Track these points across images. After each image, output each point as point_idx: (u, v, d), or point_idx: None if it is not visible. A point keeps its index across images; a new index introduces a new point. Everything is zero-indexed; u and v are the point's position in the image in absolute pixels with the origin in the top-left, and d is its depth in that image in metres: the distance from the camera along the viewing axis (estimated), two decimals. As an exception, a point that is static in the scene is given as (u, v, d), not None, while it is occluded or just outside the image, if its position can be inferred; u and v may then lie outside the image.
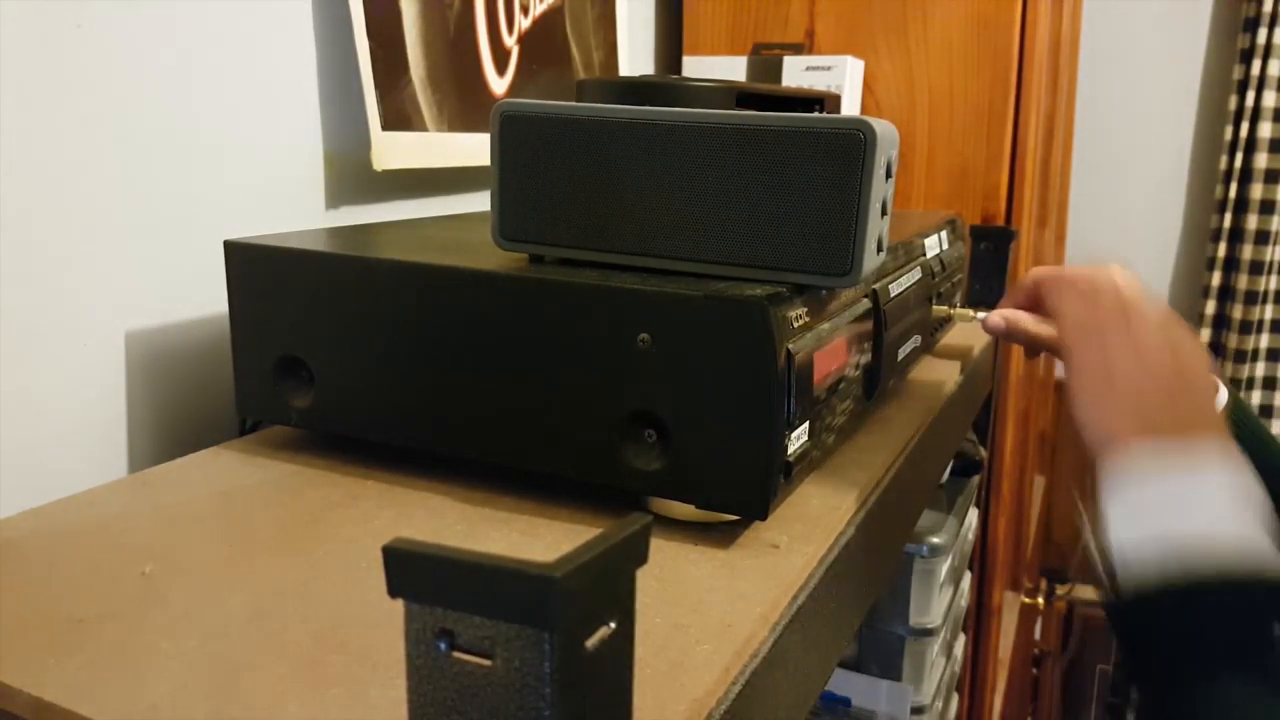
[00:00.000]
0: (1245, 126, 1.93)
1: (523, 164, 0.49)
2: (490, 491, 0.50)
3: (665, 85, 0.64)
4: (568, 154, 0.48)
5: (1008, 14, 1.11)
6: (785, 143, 0.44)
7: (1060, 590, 2.26)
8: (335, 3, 0.73)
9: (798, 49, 1.21)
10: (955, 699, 1.17)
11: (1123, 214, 2.12)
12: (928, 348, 0.74)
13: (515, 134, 0.49)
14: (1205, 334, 2.00)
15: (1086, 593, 2.27)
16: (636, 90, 0.64)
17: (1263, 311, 1.96)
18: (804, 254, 0.44)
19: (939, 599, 0.97)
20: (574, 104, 0.49)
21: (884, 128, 0.44)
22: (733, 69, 1.17)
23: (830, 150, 0.43)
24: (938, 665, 1.03)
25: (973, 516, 1.13)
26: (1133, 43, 2.07)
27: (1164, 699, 0.43)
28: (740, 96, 0.61)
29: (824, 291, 0.48)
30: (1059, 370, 0.53)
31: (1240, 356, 1.95)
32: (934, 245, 0.75)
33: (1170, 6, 2.05)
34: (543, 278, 0.47)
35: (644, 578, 0.27)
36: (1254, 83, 1.90)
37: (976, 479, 1.11)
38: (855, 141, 0.43)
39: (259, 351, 0.55)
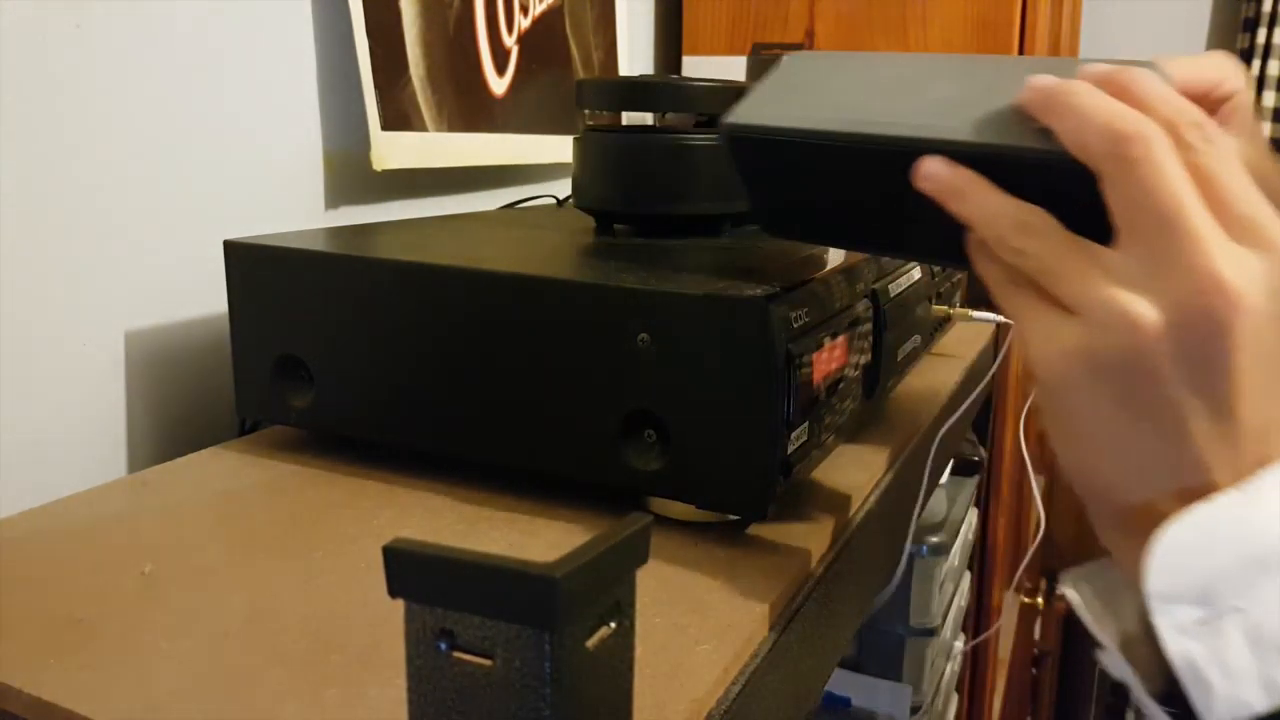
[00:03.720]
0: (1245, 126, 1.93)
1: (757, 172, 0.47)
2: (490, 491, 0.50)
3: (665, 85, 0.64)
4: (808, 171, 0.45)
5: (1008, 14, 1.11)
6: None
7: (1060, 590, 2.26)
8: (335, 2, 0.73)
9: (797, 49, 1.21)
10: (955, 699, 1.17)
11: (1122, 214, 2.12)
12: (927, 348, 0.74)
13: (744, 148, 0.46)
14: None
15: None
16: (637, 90, 0.64)
17: (1262, 311, 1.96)
18: None
19: (939, 599, 0.97)
20: (809, 116, 0.45)
21: None
22: (733, 69, 1.17)
23: (1066, 182, 0.38)
24: (938, 665, 1.03)
25: (973, 516, 1.13)
26: (1133, 43, 2.07)
27: None
28: (739, 96, 0.61)
29: (823, 291, 0.48)
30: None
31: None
32: (934, 245, 0.75)
33: (1170, 6, 2.05)
34: (543, 277, 0.47)
35: (644, 578, 0.26)
36: (1253, 83, 1.90)
37: (976, 479, 1.11)
38: (1087, 176, 0.37)
39: (259, 351, 0.55)
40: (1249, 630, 0.30)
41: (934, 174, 0.39)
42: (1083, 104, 0.35)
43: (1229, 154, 0.33)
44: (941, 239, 0.42)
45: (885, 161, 0.42)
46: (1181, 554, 0.32)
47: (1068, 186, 0.36)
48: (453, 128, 0.84)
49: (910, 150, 0.40)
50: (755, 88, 0.47)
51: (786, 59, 0.49)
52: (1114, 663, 0.37)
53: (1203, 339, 0.31)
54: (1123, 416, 0.33)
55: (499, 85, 0.91)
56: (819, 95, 0.46)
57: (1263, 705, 0.30)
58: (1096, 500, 0.36)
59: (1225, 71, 0.45)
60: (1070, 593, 0.40)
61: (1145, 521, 0.33)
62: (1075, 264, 0.34)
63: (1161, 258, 0.32)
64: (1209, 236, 0.32)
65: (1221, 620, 0.31)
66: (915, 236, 0.45)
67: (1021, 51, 1.12)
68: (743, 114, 0.46)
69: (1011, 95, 0.40)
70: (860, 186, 0.44)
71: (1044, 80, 0.37)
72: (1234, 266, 0.31)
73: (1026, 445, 0.97)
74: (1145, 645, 0.33)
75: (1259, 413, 0.32)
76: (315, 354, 0.53)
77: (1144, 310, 0.32)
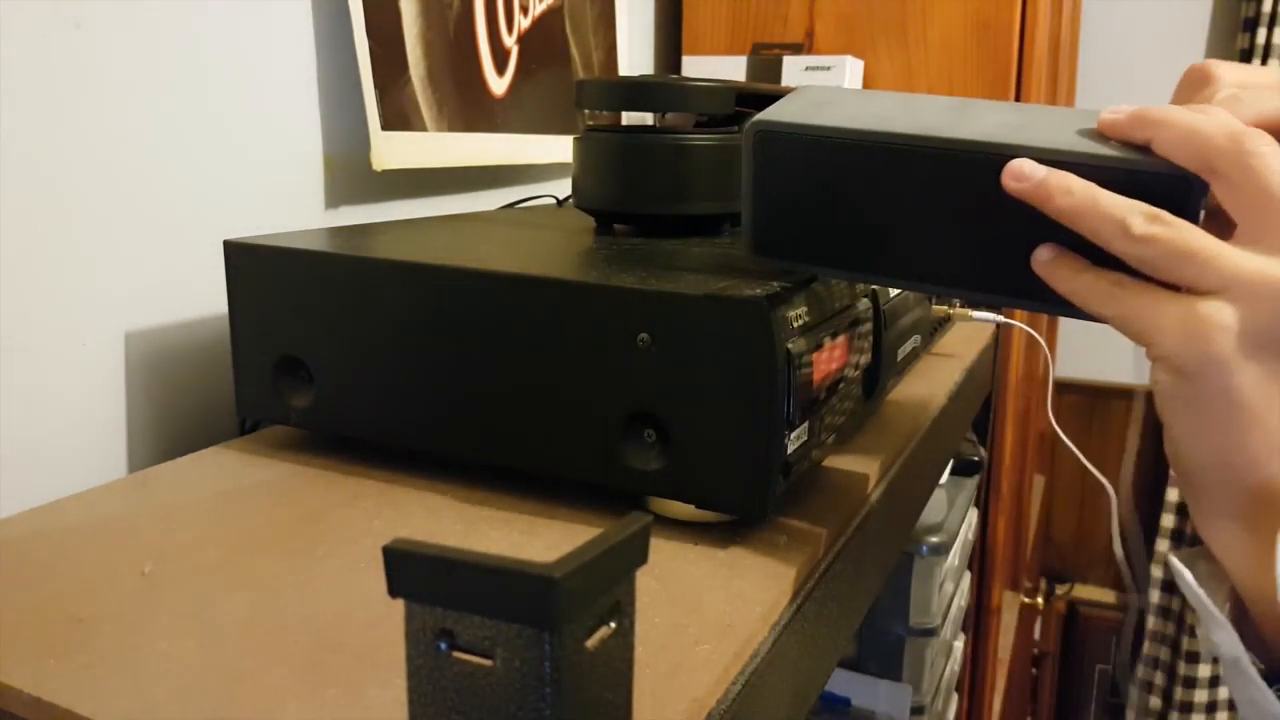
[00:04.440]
0: (1245, 126, 1.93)
1: (778, 181, 0.44)
2: (490, 491, 0.50)
3: (665, 85, 0.64)
4: (833, 174, 0.43)
5: (1007, 15, 1.11)
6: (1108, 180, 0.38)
7: (1060, 590, 2.26)
8: (335, 2, 0.73)
9: (797, 49, 1.21)
10: (955, 699, 1.17)
11: (1122, 214, 2.12)
12: (927, 348, 0.74)
13: (771, 152, 0.44)
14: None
15: (1086, 592, 2.27)
16: (636, 90, 0.64)
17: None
18: None
19: (939, 599, 0.98)
20: (859, 119, 0.42)
21: None
22: (732, 69, 1.17)
23: (1159, 195, 0.37)
24: (937, 665, 1.03)
25: (973, 516, 1.13)
26: (1133, 43, 2.07)
27: None
28: (740, 96, 0.61)
29: (823, 291, 0.48)
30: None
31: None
32: (934, 245, 0.74)
33: (1170, 6, 2.05)
34: (543, 277, 0.47)
35: (644, 578, 0.27)
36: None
37: (976, 479, 1.11)
38: (1187, 185, 0.37)
39: (259, 351, 0.55)
40: None
41: (1029, 173, 0.38)
42: (1182, 117, 0.36)
43: None
44: (984, 265, 0.40)
45: (950, 170, 0.39)
46: None
47: (1155, 201, 0.36)
48: (453, 128, 0.84)
49: (986, 157, 0.38)
50: (777, 103, 0.45)
51: (801, 88, 0.47)
52: (1226, 639, 0.38)
53: None
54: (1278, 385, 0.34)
55: (499, 85, 0.91)
56: (858, 109, 0.43)
57: None
58: (1220, 485, 0.37)
59: None
60: (1182, 570, 0.41)
61: (1277, 501, 0.34)
62: (1211, 244, 0.35)
63: None
64: None
65: None
66: (949, 263, 0.42)
67: (1021, 52, 1.12)
68: (776, 114, 0.43)
69: (1068, 124, 0.40)
70: (901, 202, 0.42)
71: (1126, 105, 0.39)
72: None
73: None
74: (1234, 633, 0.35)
75: None
76: (315, 354, 0.53)
77: None
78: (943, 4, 1.13)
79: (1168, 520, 2.06)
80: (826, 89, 0.47)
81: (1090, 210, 0.37)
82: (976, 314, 0.82)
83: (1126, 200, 0.36)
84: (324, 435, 0.57)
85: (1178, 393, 0.36)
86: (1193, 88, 0.43)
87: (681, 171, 0.60)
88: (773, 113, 0.44)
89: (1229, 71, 0.42)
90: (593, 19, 1.08)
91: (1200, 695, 2.03)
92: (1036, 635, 2.11)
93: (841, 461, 0.56)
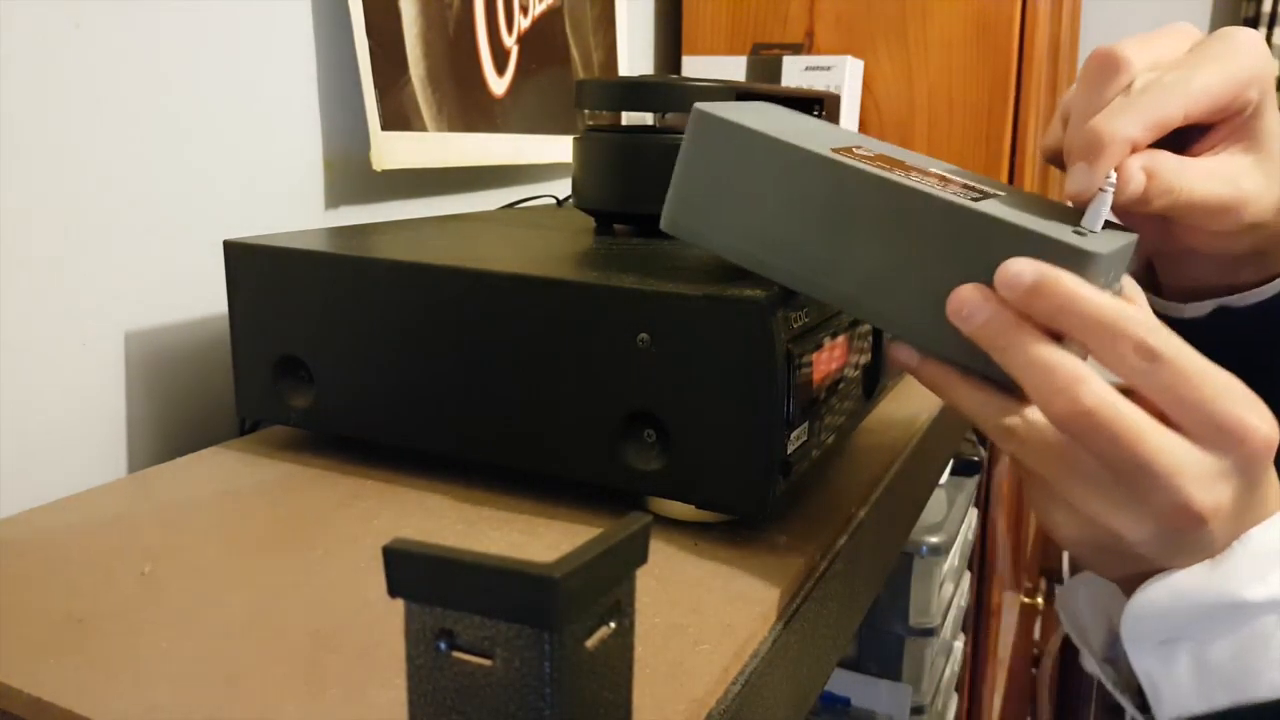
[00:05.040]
0: (1245, 127, 1.93)
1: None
2: (490, 491, 0.50)
3: (665, 85, 0.64)
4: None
5: (1007, 15, 1.11)
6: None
7: (1060, 590, 2.26)
8: (335, 3, 0.73)
9: (797, 49, 1.21)
10: (955, 699, 1.17)
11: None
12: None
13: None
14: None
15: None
16: (637, 90, 0.64)
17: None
18: None
19: (938, 599, 0.98)
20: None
21: (1113, 247, 0.37)
22: (732, 69, 1.17)
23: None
24: (937, 665, 1.03)
25: (973, 516, 1.13)
26: (1132, 43, 2.07)
27: None
28: (740, 96, 0.61)
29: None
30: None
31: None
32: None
33: (1170, 6, 2.05)
34: (543, 277, 0.47)
35: (644, 578, 0.27)
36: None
37: (976, 479, 1.11)
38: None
39: (259, 351, 0.55)
40: (1195, 655, 0.38)
41: (904, 361, 0.41)
42: (1016, 366, 0.36)
43: (1178, 351, 0.34)
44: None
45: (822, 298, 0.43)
46: (1150, 610, 0.38)
47: None
48: (453, 128, 0.84)
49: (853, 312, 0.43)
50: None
51: (696, 116, 0.46)
52: (1090, 665, 0.45)
53: (1182, 547, 0.37)
54: (1121, 567, 0.40)
55: (499, 85, 0.91)
56: (752, 207, 0.44)
57: (1200, 709, 0.37)
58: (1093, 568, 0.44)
59: (1241, 83, 0.39)
60: (1061, 608, 0.48)
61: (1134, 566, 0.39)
62: (1063, 474, 0.37)
63: (1136, 492, 0.35)
64: (1177, 470, 0.34)
65: (1176, 646, 0.38)
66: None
67: (1021, 52, 1.12)
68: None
69: (954, 271, 0.38)
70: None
71: (970, 306, 0.36)
72: (1204, 491, 0.34)
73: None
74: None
75: (1232, 536, 0.37)
76: (315, 354, 0.53)
77: (1128, 529, 0.36)
78: (943, 4, 1.13)
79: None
80: (761, 116, 0.46)
81: (964, 408, 0.40)
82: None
83: (994, 411, 0.38)
84: (324, 435, 0.57)
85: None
86: (1100, 80, 0.39)
87: (681, 171, 0.60)
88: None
89: (1137, 53, 0.40)
90: (593, 19, 1.08)
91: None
92: (1036, 635, 2.11)
93: (841, 461, 0.56)
